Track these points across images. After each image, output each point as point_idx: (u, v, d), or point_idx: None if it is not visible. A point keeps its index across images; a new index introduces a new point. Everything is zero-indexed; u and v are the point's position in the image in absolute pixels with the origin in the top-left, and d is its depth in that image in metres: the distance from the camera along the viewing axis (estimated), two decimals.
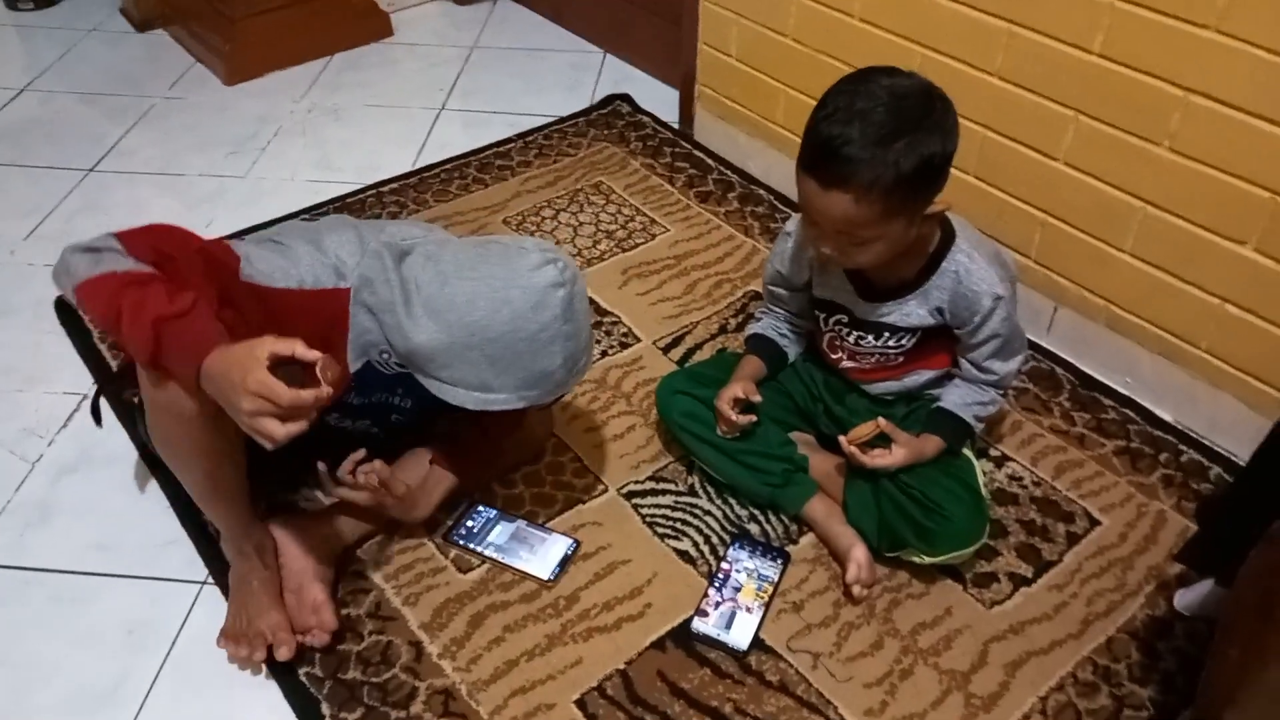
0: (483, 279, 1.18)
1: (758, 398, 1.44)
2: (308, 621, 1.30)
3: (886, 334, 1.40)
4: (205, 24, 2.69)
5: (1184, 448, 1.62)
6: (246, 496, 1.30)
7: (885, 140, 1.15)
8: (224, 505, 1.28)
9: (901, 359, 1.43)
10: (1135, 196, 1.58)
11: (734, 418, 1.42)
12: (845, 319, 1.43)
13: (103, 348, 1.78)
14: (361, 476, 1.30)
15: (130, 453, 1.59)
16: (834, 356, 1.48)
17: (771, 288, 1.53)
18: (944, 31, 1.73)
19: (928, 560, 1.36)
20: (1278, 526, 0.97)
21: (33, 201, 2.19)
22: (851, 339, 1.44)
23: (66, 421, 1.65)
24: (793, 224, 1.45)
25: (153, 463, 1.55)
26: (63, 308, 1.87)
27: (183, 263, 1.15)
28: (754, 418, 1.44)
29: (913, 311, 1.37)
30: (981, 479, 1.40)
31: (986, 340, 1.37)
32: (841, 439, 1.35)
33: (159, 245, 1.15)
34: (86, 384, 1.72)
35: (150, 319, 1.04)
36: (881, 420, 1.34)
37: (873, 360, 1.44)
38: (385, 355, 1.26)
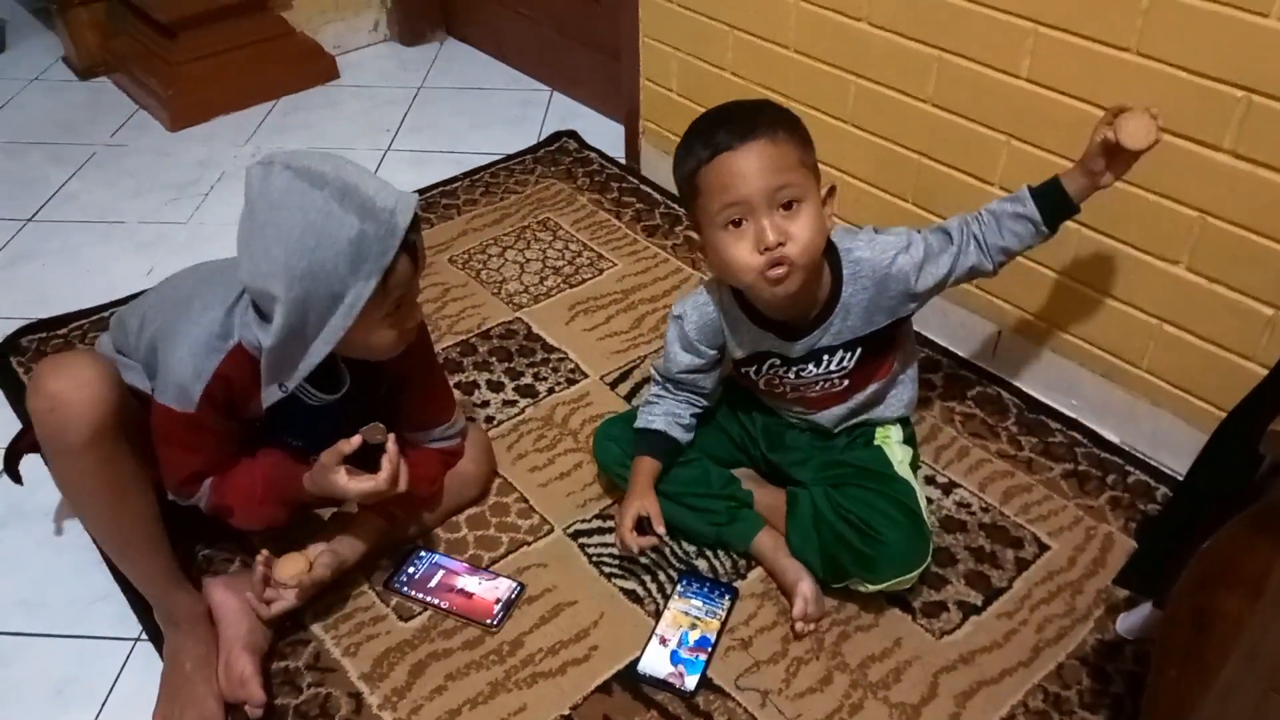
0: (253, 236, 1.13)
1: (660, 525, 1.37)
2: (236, 695, 1.26)
3: (825, 357, 1.38)
4: (147, 70, 2.67)
5: (1131, 469, 1.62)
6: (168, 553, 1.27)
7: (757, 108, 1.26)
8: (141, 559, 1.25)
9: (846, 381, 1.41)
10: (1071, 220, 1.59)
11: (635, 544, 1.37)
12: (778, 361, 1.41)
13: None
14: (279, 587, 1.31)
15: (56, 509, 1.55)
16: (778, 391, 1.45)
17: (681, 376, 1.45)
18: (876, 61, 1.74)
19: (872, 588, 1.35)
20: (1211, 542, 0.96)
21: None
22: (792, 375, 1.41)
23: None
24: (682, 306, 1.41)
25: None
26: None
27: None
28: (655, 540, 1.38)
29: (840, 328, 1.35)
30: (923, 502, 1.39)
31: (936, 255, 1.34)
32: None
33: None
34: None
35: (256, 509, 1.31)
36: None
37: (818, 388, 1.43)
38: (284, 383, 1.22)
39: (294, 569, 1.30)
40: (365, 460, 1.28)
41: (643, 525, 1.38)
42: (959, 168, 1.70)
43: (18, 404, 1.74)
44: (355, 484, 1.26)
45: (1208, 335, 1.50)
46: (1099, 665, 1.33)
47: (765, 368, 1.41)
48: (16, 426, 1.67)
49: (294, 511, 1.37)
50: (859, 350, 1.38)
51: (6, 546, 1.50)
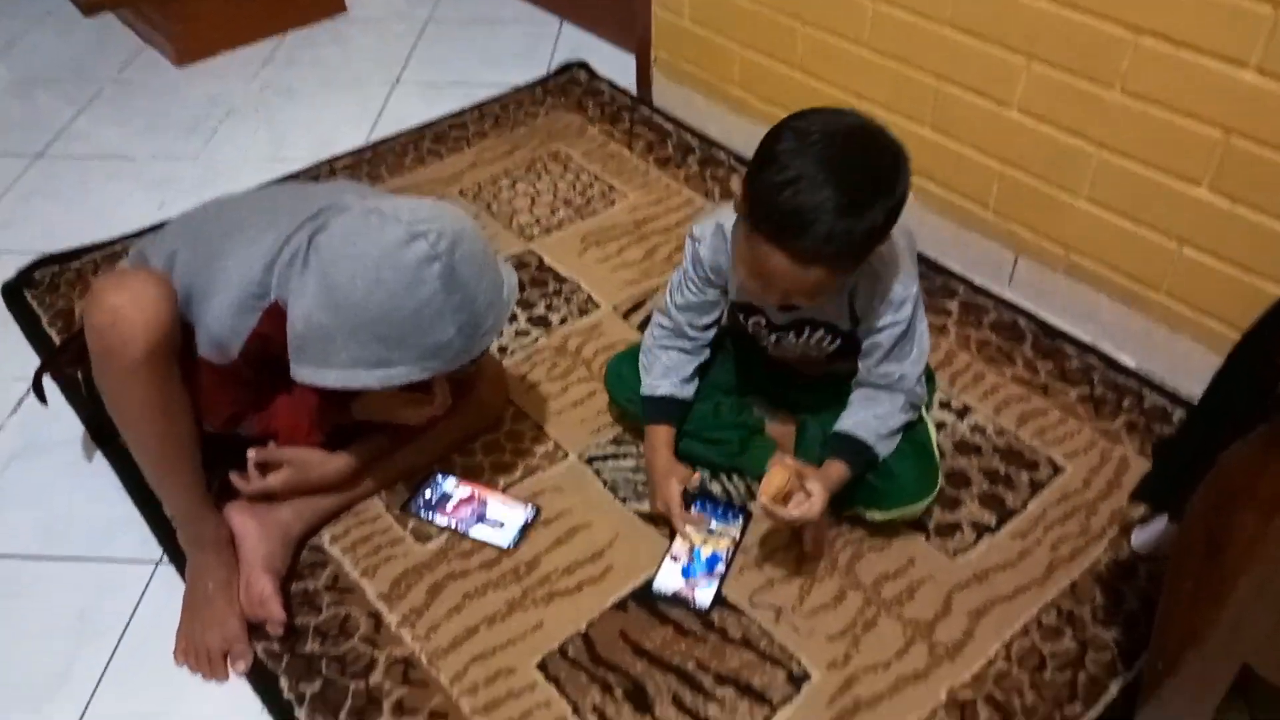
0: (358, 256, 1.14)
1: (695, 482, 1.40)
2: (256, 614, 1.27)
3: (808, 330, 1.35)
4: (154, 4, 2.63)
5: (1147, 392, 1.61)
6: (201, 478, 1.28)
7: (859, 208, 1.07)
8: (179, 480, 1.26)
9: (825, 359, 1.39)
10: (1089, 141, 1.56)
11: (687, 524, 1.38)
12: (763, 320, 1.38)
13: (52, 332, 1.75)
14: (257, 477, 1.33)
15: (77, 437, 1.56)
16: (762, 345, 1.43)
17: (683, 310, 1.41)
18: None
19: (879, 517, 1.35)
20: (1225, 459, 0.96)
21: None
22: (773, 339, 1.39)
23: (15, 408, 1.62)
24: (702, 229, 1.35)
25: (101, 439, 1.52)
26: (10, 293, 1.84)
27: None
28: (699, 477, 1.41)
29: (825, 304, 1.30)
30: (933, 434, 1.39)
31: (885, 328, 1.27)
32: (761, 500, 1.24)
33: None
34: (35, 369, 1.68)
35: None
36: (790, 461, 1.26)
37: (797, 354, 1.40)
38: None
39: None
40: None
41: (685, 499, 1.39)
42: (978, 89, 1.68)
43: (33, 335, 1.75)
44: (411, 408, 1.30)
45: (1229, 257, 1.48)
46: (1113, 583, 1.33)
47: (750, 322, 1.40)
48: (33, 361, 1.69)
49: (333, 436, 1.38)
50: (839, 340, 1.35)
51: (27, 476, 1.51)
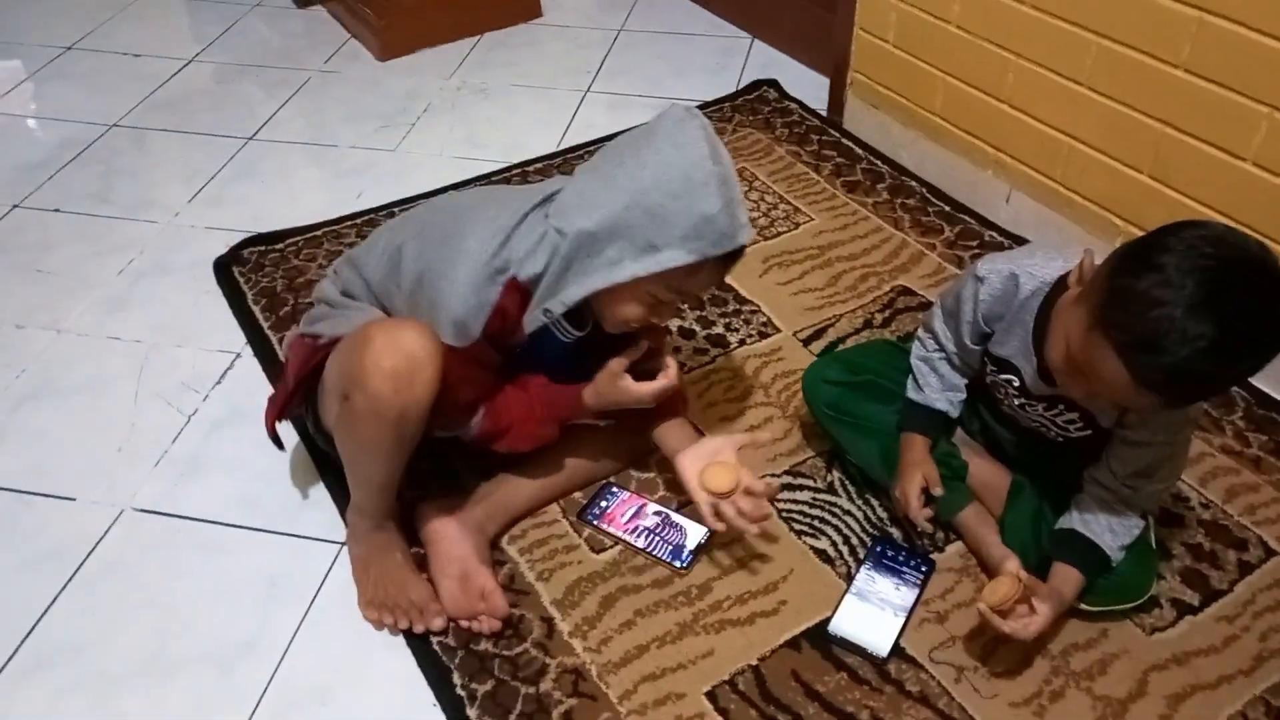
0: (632, 153, 1.17)
1: (939, 488, 1.34)
2: (475, 608, 1.30)
3: (1061, 407, 1.26)
4: (362, 1, 2.75)
5: None
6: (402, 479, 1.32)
7: (1233, 357, 0.96)
8: (386, 494, 1.30)
9: (1061, 439, 1.31)
10: None
11: (922, 515, 1.33)
12: (1016, 382, 1.28)
13: (256, 309, 1.84)
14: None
15: None
16: (997, 397, 1.36)
17: (945, 342, 1.37)
18: (1123, 19, 1.62)
19: (1090, 609, 1.28)
20: None
21: (194, 167, 2.28)
22: (1018, 403, 1.31)
23: (221, 378, 1.71)
24: (993, 269, 1.25)
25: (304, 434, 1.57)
26: (220, 269, 1.94)
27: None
28: (932, 511, 1.35)
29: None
30: (1153, 526, 1.31)
31: (1152, 444, 1.19)
32: (980, 606, 1.18)
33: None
34: (240, 343, 1.77)
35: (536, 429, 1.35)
36: (1022, 574, 1.18)
37: (1034, 424, 1.33)
38: (550, 315, 1.23)
39: (725, 478, 1.31)
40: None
41: (925, 496, 1.35)
42: (1208, 139, 1.58)
43: (239, 310, 1.84)
44: (644, 387, 1.31)
45: None
46: None
47: (1001, 379, 1.31)
48: (238, 334, 1.78)
49: (563, 428, 1.39)
50: (1090, 431, 1.26)
51: (229, 446, 1.59)
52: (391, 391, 1.14)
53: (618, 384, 1.31)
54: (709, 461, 1.34)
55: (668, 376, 1.33)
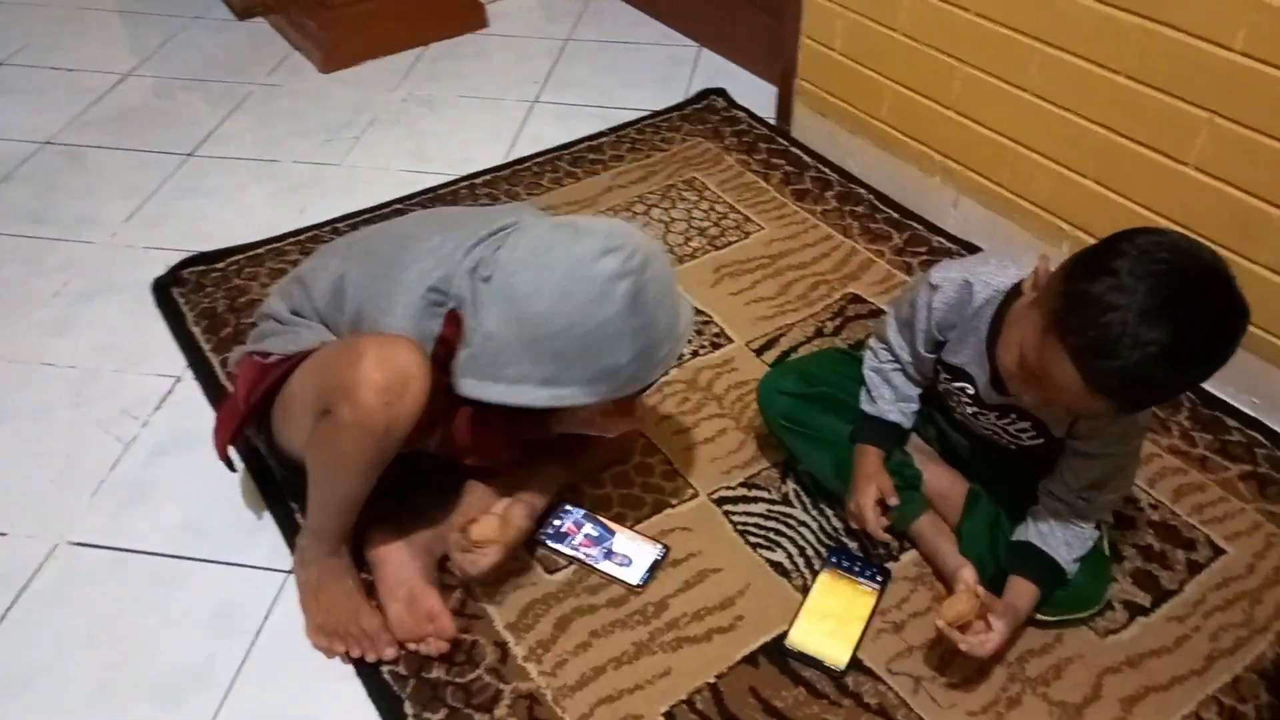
0: (547, 268, 1.13)
1: (894, 498, 1.33)
2: (422, 629, 1.27)
3: (1013, 416, 1.26)
4: (304, 12, 2.70)
5: None
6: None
7: (1185, 363, 0.97)
8: (350, 516, 1.27)
9: (1013, 446, 1.31)
10: (1273, 204, 1.47)
11: (878, 526, 1.32)
12: (970, 390, 1.28)
13: (197, 331, 1.79)
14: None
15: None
16: (950, 405, 1.36)
17: (899, 352, 1.37)
18: (1067, 28, 1.64)
19: (1045, 618, 1.28)
20: None
21: (133, 184, 2.22)
22: (970, 411, 1.32)
23: (160, 403, 1.66)
24: (946, 277, 1.25)
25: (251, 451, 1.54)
26: (160, 290, 1.89)
27: None
28: (889, 521, 1.35)
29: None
30: (1106, 539, 1.32)
31: (1104, 455, 1.21)
32: (938, 623, 1.18)
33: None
34: (180, 366, 1.73)
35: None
36: (979, 590, 1.18)
37: (987, 432, 1.33)
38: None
39: (488, 529, 1.29)
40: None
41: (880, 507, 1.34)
42: (1151, 145, 1.60)
43: (180, 333, 1.79)
44: (614, 419, 1.28)
45: None
46: None
47: (955, 386, 1.31)
48: (178, 357, 1.73)
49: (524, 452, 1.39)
50: (1042, 440, 1.27)
51: (172, 472, 1.55)
52: (382, 405, 1.11)
53: (585, 413, 1.27)
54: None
55: (633, 415, 1.30)
